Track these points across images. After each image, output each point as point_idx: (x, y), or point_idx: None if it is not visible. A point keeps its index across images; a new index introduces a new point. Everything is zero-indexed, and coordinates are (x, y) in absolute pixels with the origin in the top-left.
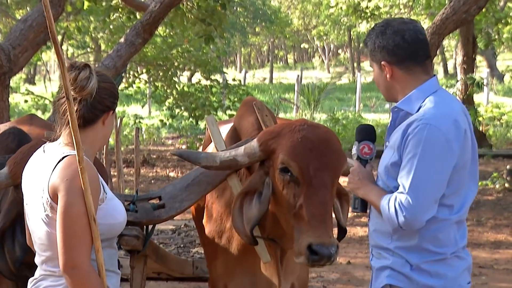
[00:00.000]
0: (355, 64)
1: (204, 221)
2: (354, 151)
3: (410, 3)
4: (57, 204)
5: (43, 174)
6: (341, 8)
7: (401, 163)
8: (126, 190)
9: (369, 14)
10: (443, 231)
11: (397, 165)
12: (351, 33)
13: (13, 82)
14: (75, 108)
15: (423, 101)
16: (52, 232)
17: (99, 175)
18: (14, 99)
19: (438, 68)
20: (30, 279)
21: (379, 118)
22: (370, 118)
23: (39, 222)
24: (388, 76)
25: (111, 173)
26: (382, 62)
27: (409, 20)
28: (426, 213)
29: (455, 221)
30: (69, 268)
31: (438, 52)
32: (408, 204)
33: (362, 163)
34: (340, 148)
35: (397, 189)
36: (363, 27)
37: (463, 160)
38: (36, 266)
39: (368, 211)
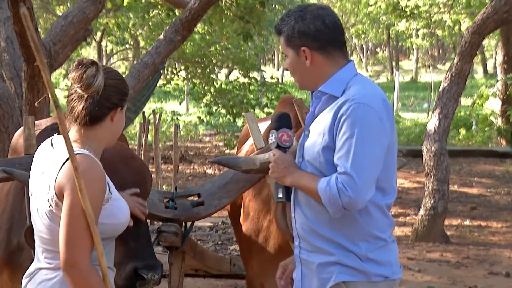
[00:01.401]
0: (393, 63)
1: (241, 219)
2: (272, 139)
3: (450, 2)
4: (62, 202)
5: (50, 170)
6: (380, 6)
7: (334, 146)
8: (164, 187)
9: (408, 13)
10: (381, 215)
11: (330, 149)
12: (390, 31)
13: (53, 77)
14: (82, 106)
15: (347, 84)
16: (54, 227)
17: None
18: None
19: (478, 68)
20: (24, 276)
21: (417, 117)
22: (408, 117)
23: (42, 215)
24: (308, 62)
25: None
26: (302, 48)
27: (324, 5)
28: (369, 191)
29: (388, 204)
30: (68, 266)
31: (478, 52)
32: (352, 183)
33: (282, 151)
34: None
35: (332, 173)
36: (402, 25)
37: (393, 140)
38: None
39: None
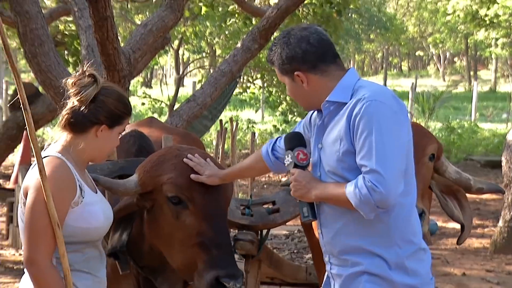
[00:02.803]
0: (472, 73)
1: (314, 226)
2: (289, 160)
3: None
4: None
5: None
6: (458, 15)
7: (353, 149)
8: (240, 194)
9: (487, 22)
10: (409, 216)
11: (350, 153)
12: (468, 41)
13: (131, 85)
14: (66, 111)
15: (353, 88)
16: None
17: (78, 178)
18: (131, 102)
19: None
20: None
21: (496, 127)
22: (486, 127)
23: (19, 219)
24: (305, 85)
25: None
26: (296, 73)
27: (308, 25)
28: (399, 185)
29: (413, 205)
30: (28, 263)
31: None
32: (381, 179)
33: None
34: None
35: (357, 177)
36: (481, 35)
37: (409, 135)
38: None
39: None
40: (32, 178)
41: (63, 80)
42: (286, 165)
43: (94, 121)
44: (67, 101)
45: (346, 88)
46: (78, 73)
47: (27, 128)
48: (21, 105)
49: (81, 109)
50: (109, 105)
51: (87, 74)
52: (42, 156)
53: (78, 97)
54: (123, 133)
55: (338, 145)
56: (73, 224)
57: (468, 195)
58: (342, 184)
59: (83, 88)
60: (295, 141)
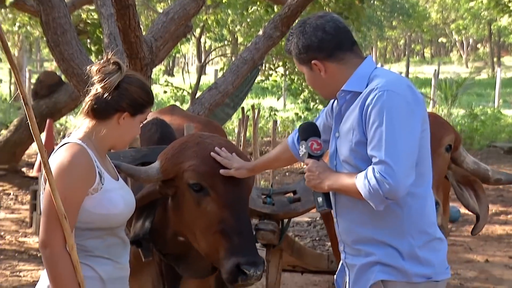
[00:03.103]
0: (495, 59)
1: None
2: (303, 150)
3: None
4: None
5: None
6: (481, 1)
7: (366, 139)
8: (262, 182)
9: (511, 8)
10: (422, 206)
11: (363, 143)
12: (492, 27)
13: (153, 73)
14: (90, 98)
15: (369, 77)
16: None
17: (98, 165)
18: (153, 90)
19: None
20: None
21: None
22: (510, 114)
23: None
24: (322, 73)
25: None
26: (313, 62)
27: (324, 13)
28: (408, 177)
29: (427, 194)
30: (42, 246)
31: None
32: (390, 170)
33: (315, 160)
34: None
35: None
36: (505, 21)
37: (425, 125)
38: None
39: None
40: (52, 164)
41: (88, 67)
42: (300, 155)
43: (117, 108)
44: (91, 88)
45: (362, 77)
46: (102, 60)
47: (29, 123)
48: (22, 100)
49: (105, 96)
50: (132, 93)
51: (111, 61)
52: (63, 143)
53: (102, 84)
54: (145, 122)
55: (351, 135)
56: (92, 211)
57: None
58: (354, 174)
59: (107, 75)
60: (309, 131)
